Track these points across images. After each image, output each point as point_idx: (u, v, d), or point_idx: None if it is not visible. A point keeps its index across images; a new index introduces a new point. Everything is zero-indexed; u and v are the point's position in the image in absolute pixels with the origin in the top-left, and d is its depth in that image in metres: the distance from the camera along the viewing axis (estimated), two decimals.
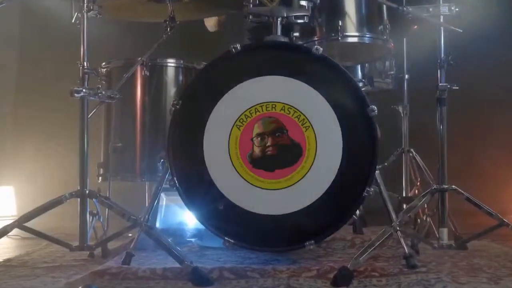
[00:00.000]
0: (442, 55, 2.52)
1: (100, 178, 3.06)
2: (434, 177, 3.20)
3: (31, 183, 4.64)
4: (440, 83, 2.52)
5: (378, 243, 2.30)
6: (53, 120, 4.59)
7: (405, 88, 3.55)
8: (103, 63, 3.09)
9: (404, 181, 3.54)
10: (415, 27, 3.33)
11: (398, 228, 2.32)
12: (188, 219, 2.85)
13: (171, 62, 3.09)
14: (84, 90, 2.42)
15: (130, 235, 2.74)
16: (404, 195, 3.51)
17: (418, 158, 3.45)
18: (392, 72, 3.41)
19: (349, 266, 2.17)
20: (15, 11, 4.75)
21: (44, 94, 4.61)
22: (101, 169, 3.05)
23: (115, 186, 3.13)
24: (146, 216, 2.42)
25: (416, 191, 3.47)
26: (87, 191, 2.44)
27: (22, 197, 4.60)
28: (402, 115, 3.54)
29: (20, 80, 4.88)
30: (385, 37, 2.75)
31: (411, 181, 3.52)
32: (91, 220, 2.59)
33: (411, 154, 3.48)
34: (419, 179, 3.46)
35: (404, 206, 3.34)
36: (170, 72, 3.09)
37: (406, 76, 3.53)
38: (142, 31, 3.57)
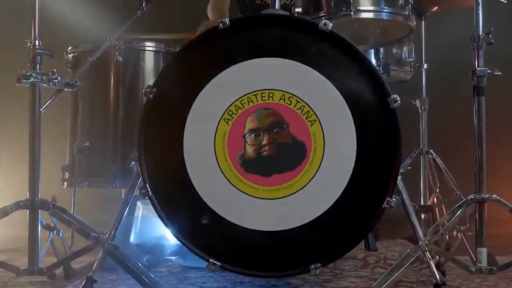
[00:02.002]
0: (481, 33, 2.19)
1: (65, 183, 2.82)
2: (458, 182, 3.06)
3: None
4: (478, 67, 2.18)
5: (403, 268, 1.98)
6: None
7: (424, 79, 3.27)
8: (69, 48, 2.86)
9: (422, 187, 3.27)
10: (436, 8, 3.11)
11: (426, 248, 2.04)
12: (168, 233, 2.50)
13: (149, 46, 2.81)
14: (34, 74, 2.12)
15: None
16: (422, 203, 3.26)
17: (438, 160, 3.18)
18: (411, 60, 3.12)
19: None
20: None
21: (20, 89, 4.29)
22: (66, 173, 2.80)
23: (90, 191, 2.96)
24: (112, 232, 2.09)
25: (435, 198, 3.23)
26: (38, 201, 2.14)
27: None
28: (420, 110, 3.26)
29: None
30: (406, 13, 2.45)
31: (429, 187, 3.28)
32: (49, 234, 2.33)
33: (430, 156, 3.22)
34: (438, 185, 3.22)
35: (422, 216, 3.17)
36: (149, 57, 2.81)
37: (425, 66, 3.25)
38: (122, 11, 3.21)
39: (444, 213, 3.09)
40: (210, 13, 3.33)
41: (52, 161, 2.77)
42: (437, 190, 3.19)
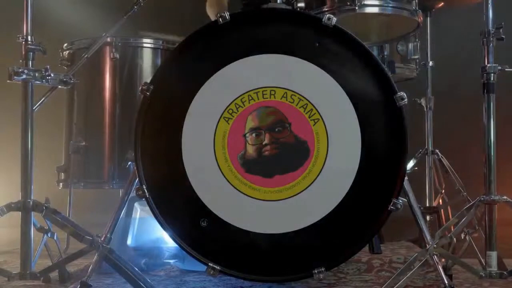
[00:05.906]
0: (490, 27, 2.13)
1: (60, 184, 2.76)
2: (464, 183, 3.03)
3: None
4: (488, 63, 2.12)
5: (411, 272, 1.92)
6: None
7: (429, 78, 3.20)
8: (65, 44, 2.80)
9: (428, 188, 3.20)
10: (441, 4, 3.06)
11: (434, 252, 1.99)
12: (167, 235, 2.42)
13: (147, 43, 2.74)
14: (26, 71, 2.05)
15: None
16: (427, 204, 3.19)
17: (444, 160, 3.12)
18: (416, 57, 3.05)
19: None
20: None
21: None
22: (62, 174, 2.75)
23: (86, 192, 2.94)
24: (107, 235, 2.03)
25: (441, 200, 3.17)
26: (30, 203, 2.07)
27: None
28: (425, 109, 3.21)
29: None
30: (412, 8, 2.39)
31: (434, 187, 3.21)
32: (43, 237, 2.25)
33: (436, 156, 3.17)
34: (444, 186, 3.16)
35: (428, 217, 3.09)
36: (146, 54, 2.73)
37: (430, 63, 3.18)
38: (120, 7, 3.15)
39: (450, 214, 3.05)
40: (209, 9, 3.25)
41: (48, 161, 2.72)
42: (443, 191, 3.14)
